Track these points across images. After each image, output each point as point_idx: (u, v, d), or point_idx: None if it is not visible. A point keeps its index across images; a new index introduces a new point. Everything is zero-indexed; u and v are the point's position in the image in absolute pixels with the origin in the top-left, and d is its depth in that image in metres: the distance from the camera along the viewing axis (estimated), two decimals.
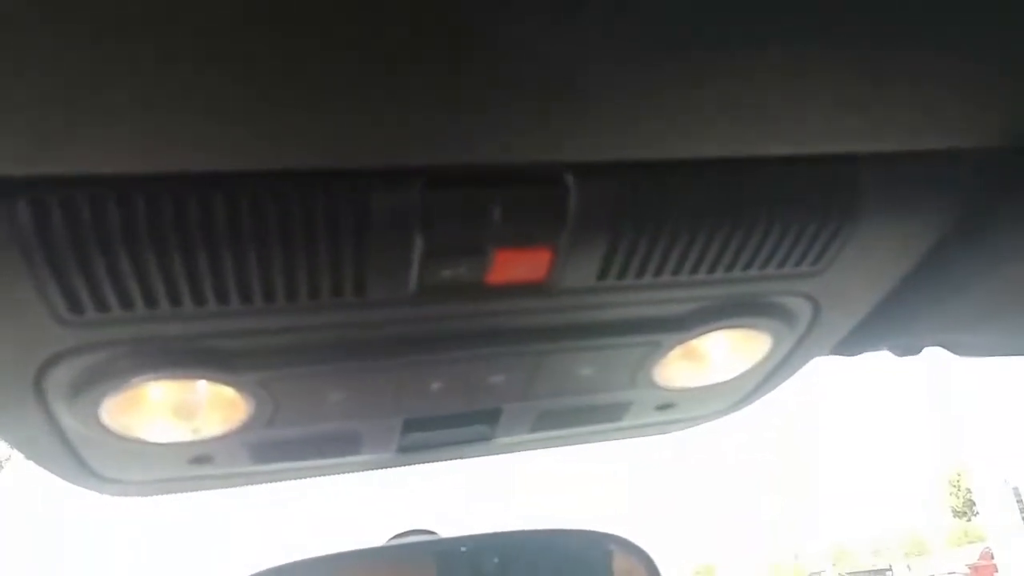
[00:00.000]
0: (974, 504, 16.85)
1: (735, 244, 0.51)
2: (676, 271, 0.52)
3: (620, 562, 1.21)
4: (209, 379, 0.52)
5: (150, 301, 0.44)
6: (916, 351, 0.77)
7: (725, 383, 0.70)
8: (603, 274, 0.51)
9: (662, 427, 0.81)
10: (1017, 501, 14.80)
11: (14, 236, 0.39)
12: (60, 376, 0.49)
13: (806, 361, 0.71)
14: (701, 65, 0.37)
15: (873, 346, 0.76)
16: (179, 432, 0.58)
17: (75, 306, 0.44)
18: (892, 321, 0.68)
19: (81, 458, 0.61)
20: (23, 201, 0.38)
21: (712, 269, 0.53)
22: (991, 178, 0.52)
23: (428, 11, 0.32)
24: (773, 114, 0.42)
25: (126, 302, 0.44)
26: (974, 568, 19.52)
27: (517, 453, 0.79)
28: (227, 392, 0.54)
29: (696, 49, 0.36)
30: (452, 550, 1.16)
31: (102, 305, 0.44)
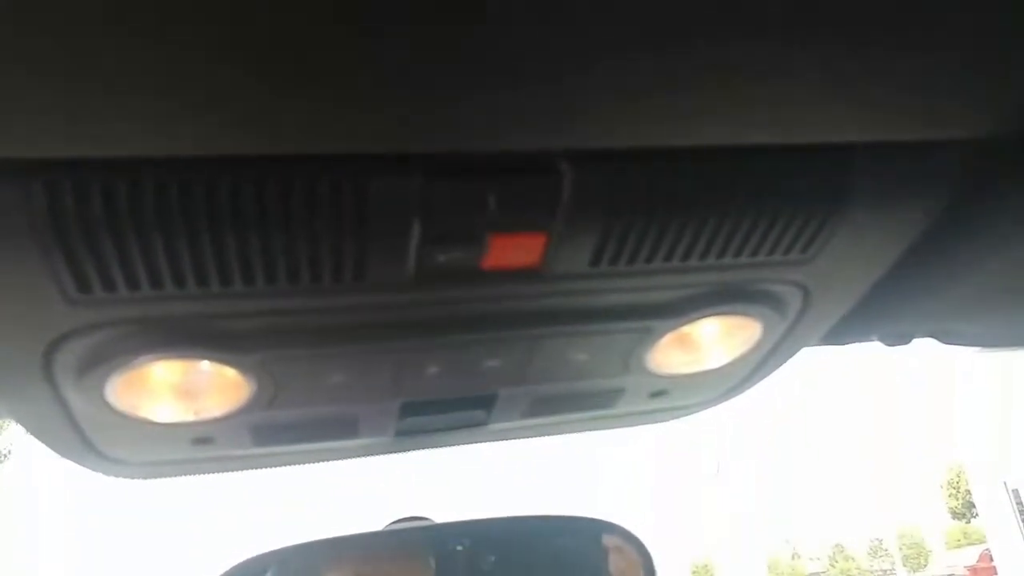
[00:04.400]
0: (973, 506, 16.85)
1: (725, 231, 0.53)
2: (667, 258, 0.54)
3: (616, 558, 1.22)
4: (212, 359, 0.54)
5: (155, 282, 0.46)
6: (906, 340, 0.78)
7: (716, 370, 0.71)
8: (595, 260, 0.52)
9: (655, 415, 0.82)
10: (1017, 503, 14.79)
11: (28, 218, 0.41)
12: (68, 355, 0.51)
13: (797, 349, 0.72)
14: (694, 55, 0.39)
15: (863, 335, 0.77)
16: (182, 412, 0.59)
17: (84, 286, 0.45)
18: (882, 310, 0.69)
19: (86, 438, 0.62)
20: (38, 184, 0.40)
21: (703, 256, 0.54)
22: (980, 168, 0.53)
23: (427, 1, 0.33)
24: (764, 104, 0.43)
25: (132, 282, 0.45)
26: (973, 570, 19.50)
27: (512, 440, 0.81)
28: (229, 373, 0.55)
29: (689, 39, 0.37)
30: (450, 546, 1.17)
31: (109, 285, 0.45)
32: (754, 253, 0.55)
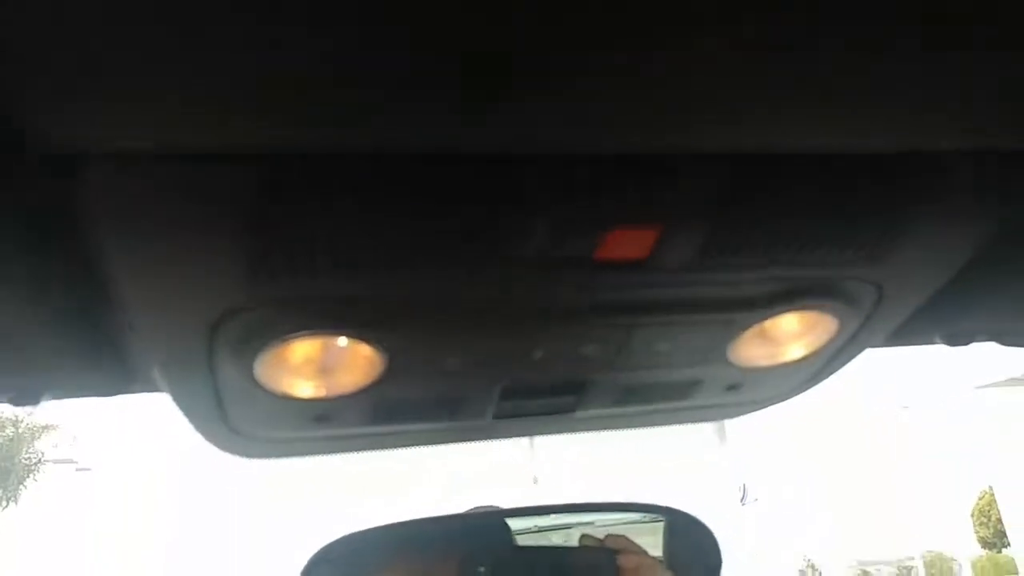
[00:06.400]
0: (1005, 535, 16.43)
1: (817, 230, 0.57)
2: (763, 254, 0.58)
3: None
4: (352, 336, 0.59)
5: (311, 264, 0.51)
6: (967, 341, 0.82)
7: (789, 365, 0.75)
8: (700, 255, 0.56)
9: (727, 409, 0.87)
10: None
11: (227, 206, 0.46)
12: (230, 329, 0.56)
13: (865, 347, 0.77)
14: (808, 67, 0.42)
15: (927, 335, 0.81)
16: (315, 388, 0.65)
17: (254, 267, 0.50)
18: (946, 310, 0.74)
19: (225, 411, 0.68)
20: (252, 173, 0.45)
21: (793, 253, 0.59)
22: None
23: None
24: (861, 113, 0.47)
25: (295, 265, 0.51)
26: None
27: (596, 431, 0.86)
28: (364, 350, 0.61)
29: (807, 52, 0.41)
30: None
31: (278, 267, 0.51)
32: (839, 250, 0.59)
